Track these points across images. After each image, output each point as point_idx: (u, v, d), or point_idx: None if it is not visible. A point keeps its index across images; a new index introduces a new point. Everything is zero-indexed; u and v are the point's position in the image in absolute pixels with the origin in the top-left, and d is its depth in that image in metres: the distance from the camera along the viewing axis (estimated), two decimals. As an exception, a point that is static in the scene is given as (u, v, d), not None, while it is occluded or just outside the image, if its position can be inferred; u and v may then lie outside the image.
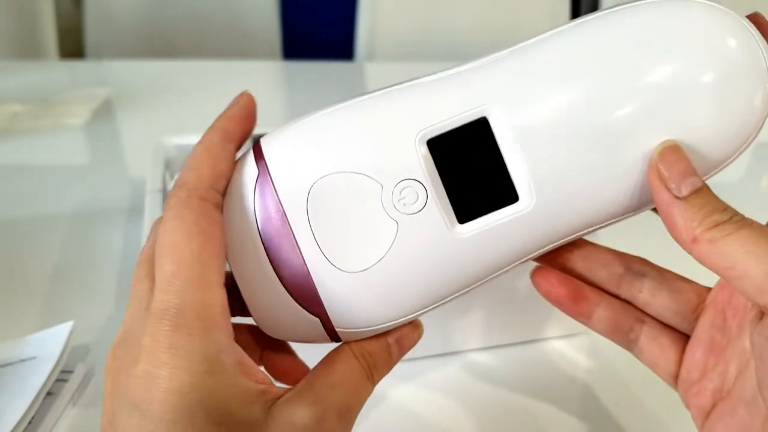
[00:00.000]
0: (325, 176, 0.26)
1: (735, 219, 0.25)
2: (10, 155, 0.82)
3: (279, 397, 0.25)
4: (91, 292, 0.54)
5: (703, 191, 0.25)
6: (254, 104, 0.29)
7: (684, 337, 0.31)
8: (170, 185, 0.55)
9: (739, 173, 0.78)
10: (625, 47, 0.25)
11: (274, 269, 0.26)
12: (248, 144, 0.29)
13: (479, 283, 0.27)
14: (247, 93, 0.29)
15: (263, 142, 0.28)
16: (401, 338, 0.29)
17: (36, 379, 0.41)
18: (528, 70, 0.26)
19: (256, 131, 0.59)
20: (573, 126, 0.26)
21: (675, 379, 0.31)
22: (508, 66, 0.26)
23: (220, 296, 0.24)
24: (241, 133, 0.28)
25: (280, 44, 1.54)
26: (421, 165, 0.26)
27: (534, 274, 0.32)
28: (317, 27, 2.07)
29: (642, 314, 0.32)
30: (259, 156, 0.27)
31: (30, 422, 0.39)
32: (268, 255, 0.26)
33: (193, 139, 0.63)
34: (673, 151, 0.26)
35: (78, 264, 0.58)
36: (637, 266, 0.32)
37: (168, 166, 0.59)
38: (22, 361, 0.43)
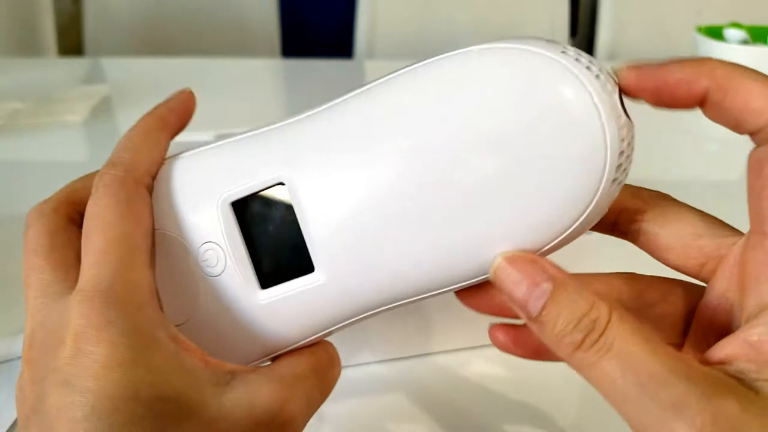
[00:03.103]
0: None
1: (588, 342, 0.20)
2: (9, 152, 0.82)
3: (235, 373, 0.24)
4: (90, 290, 0.54)
5: (552, 302, 0.21)
6: (194, 103, 0.30)
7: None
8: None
9: (737, 172, 0.78)
10: (429, 104, 0.23)
11: None
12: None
13: (287, 348, 0.27)
14: (190, 91, 0.30)
15: None
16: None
17: (34, 376, 0.41)
18: (328, 134, 0.25)
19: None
20: (371, 197, 0.24)
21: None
22: (309, 130, 0.26)
23: (150, 277, 0.24)
24: (177, 127, 0.29)
25: (279, 42, 1.54)
26: (221, 228, 0.26)
27: (490, 331, 0.28)
28: (316, 25, 2.07)
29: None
30: None
31: (28, 419, 0.39)
32: None
33: (192, 136, 0.63)
34: (511, 262, 0.22)
35: (76, 261, 0.58)
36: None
37: (167, 163, 0.59)
38: (21, 357, 0.43)
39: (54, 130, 0.87)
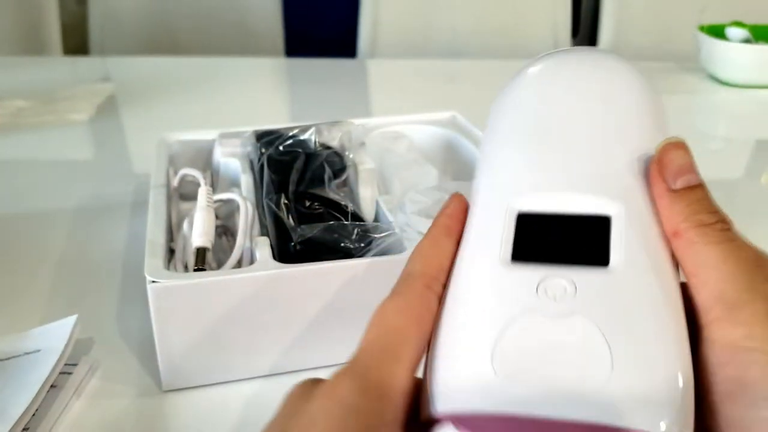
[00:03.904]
0: None
1: (720, 227, 0.25)
2: (14, 150, 0.83)
3: None
4: (96, 286, 0.55)
5: (697, 189, 0.26)
6: (466, 203, 0.30)
7: None
8: (174, 181, 0.56)
9: (739, 170, 0.79)
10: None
11: None
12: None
13: None
14: (460, 194, 0.31)
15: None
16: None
17: (40, 371, 0.41)
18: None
19: (257, 128, 0.59)
20: None
21: None
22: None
23: (407, 376, 0.25)
24: (459, 230, 0.30)
25: (283, 41, 1.55)
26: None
27: None
28: (320, 24, 2.07)
29: None
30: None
31: (34, 414, 0.40)
32: None
33: (197, 134, 0.64)
34: (676, 147, 0.27)
35: (82, 258, 0.59)
36: None
37: (172, 161, 0.60)
38: (27, 354, 0.44)
39: (59, 128, 0.88)
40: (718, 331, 0.24)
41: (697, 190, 0.26)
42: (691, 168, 0.27)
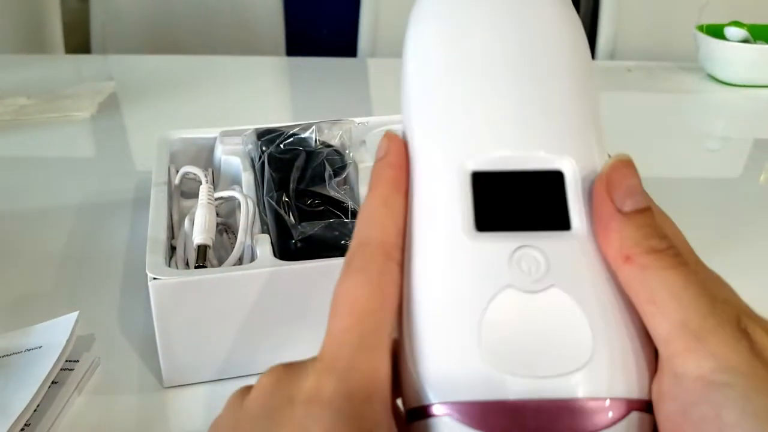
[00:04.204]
0: None
1: (671, 252, 0.23)
2: (17, 147, 0.83)
3: None
4: (97, 283, 0.55)
5: (646, 213, 0.24)
6: (405, 147, 0.28)
7: None
8: (176, 178, 0.56)
9: (738, 170, 0.79)
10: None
11: None
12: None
13: None
14: (396, 136, 0.28)
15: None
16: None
17: (42, 368, 0.42)
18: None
19: (258, 126, 0.60)
20: None
21: None
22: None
23: (388, 361, 0.24)
24: (405, 180, 0.27)
25: (284, 40, 1.55)
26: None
27: None
28: (320, 24, 2.07)
29: None
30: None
31: (36, 410, 0.40)
32: None
33: (198, 132, 0.64)
34: (625, 164, 0.25)
35: (84, 255, 0.59)
36: None
37: (173, 159, 0.60)
38: (29, 350, 0.44)
39: (62, 125, 0.88)
40: (687, 364, 0.22)
41: (646, 213, 0.24)
42: (639, 189, 0.25)
